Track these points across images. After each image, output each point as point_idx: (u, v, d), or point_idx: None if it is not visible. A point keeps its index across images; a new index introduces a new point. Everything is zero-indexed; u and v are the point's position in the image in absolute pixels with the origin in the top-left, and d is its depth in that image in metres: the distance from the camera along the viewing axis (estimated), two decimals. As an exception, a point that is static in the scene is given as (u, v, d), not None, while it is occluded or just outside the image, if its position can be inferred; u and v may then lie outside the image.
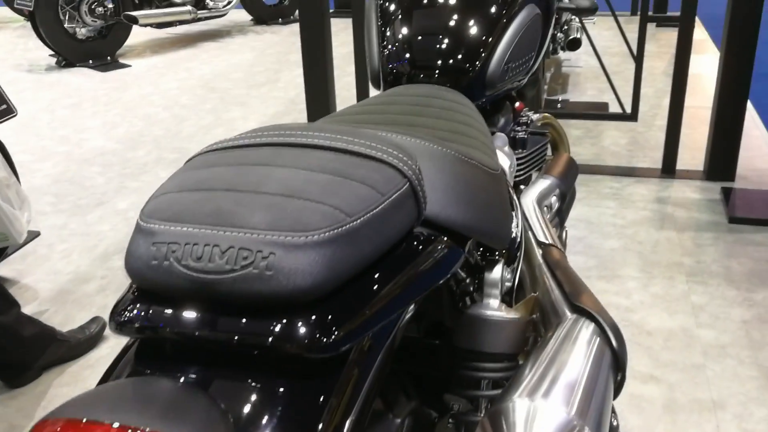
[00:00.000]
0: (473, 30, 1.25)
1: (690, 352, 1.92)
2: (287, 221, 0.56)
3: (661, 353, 1.92)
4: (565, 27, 4.00)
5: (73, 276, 2.40)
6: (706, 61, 4.50)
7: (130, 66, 5.09)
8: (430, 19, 1.28)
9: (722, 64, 2.79)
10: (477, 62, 1.23)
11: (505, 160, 1.27)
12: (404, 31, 1.27)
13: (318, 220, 0.56)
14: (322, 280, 0.55)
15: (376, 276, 0.62)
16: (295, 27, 6.10)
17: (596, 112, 3.62)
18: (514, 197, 1.20)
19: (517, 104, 1.45)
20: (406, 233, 0.66)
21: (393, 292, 0.63)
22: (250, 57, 5.23)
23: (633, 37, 3.05)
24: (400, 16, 1.29)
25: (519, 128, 1.42)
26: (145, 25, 5.37)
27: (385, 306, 0.62)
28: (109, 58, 5.21)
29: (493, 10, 1.27)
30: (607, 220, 2.65)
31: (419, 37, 1.26)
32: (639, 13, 3.00)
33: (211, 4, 5.70)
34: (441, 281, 0.72)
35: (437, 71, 1.23)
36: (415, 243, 0.70)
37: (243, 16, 6.30)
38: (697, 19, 3.05)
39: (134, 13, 5.20)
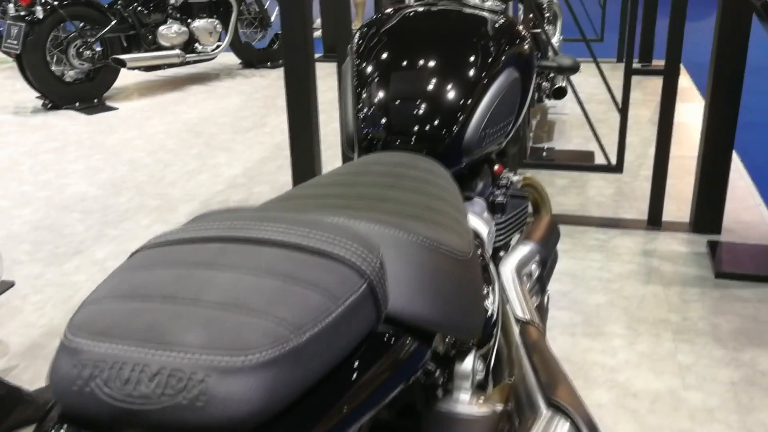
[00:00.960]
0: (450, 95, 1.22)
1: (677, 416, 1.87)
2: (225, 339, 0.51)
3: (647, 417, 1.87)
4: (551, 75, 4.01)
5: (46, 329, 2.33)
6: (691, 109, 4.52)
7: (116, 109, 5.08)
8: (406, 83, 1.26)
9: (707, 116, 2.79)
10: (453, 129, 1.20)
11: (482, 227, 1.24)
12: (380, 95, 1.25)
13: (259, 338, 0.52)
14: (262, 407, 0.50)
15: (327, 390, 0.58)
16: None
17: (582, 162, 3.61)
18: (492, 268, 1.16)
19: (496, 167, 1.42)
20: (363, 337, 0.62)
21: (347, 405, 0.59)
22: (237, 101, 5.23)
23: (619, 84, 3.06)
24: (376, 79, 1.27)
25: (498, 192, 1.39)
26: (133, 68, 5.37)
27: (338, 423, 0.57)
28: (96, 100, 5.19)
29: (470, 74, 1.25)
30: (592, 274, 2.61)
31: (395, 102, 1.24)
32: (624, 60, 3.00)
33: (200, 47, 5.71)
34: (403, 385, 0.68)
35: (413, 138, 1.20)
36: (374, 345, 0.66)
37: (232, 59, 6.32)
38: (681, 66, 3.06)
39: (122, 57, 5.20)
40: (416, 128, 1.21)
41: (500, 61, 1.30)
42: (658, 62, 5.51)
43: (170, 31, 5.49)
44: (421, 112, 1.21)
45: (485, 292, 1.07)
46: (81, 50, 5.12)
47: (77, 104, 5.09)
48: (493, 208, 1.37)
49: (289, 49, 3.06)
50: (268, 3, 6.32)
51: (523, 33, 1.40)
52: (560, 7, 4.56)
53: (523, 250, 1.33)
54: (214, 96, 5.38)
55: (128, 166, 3.91)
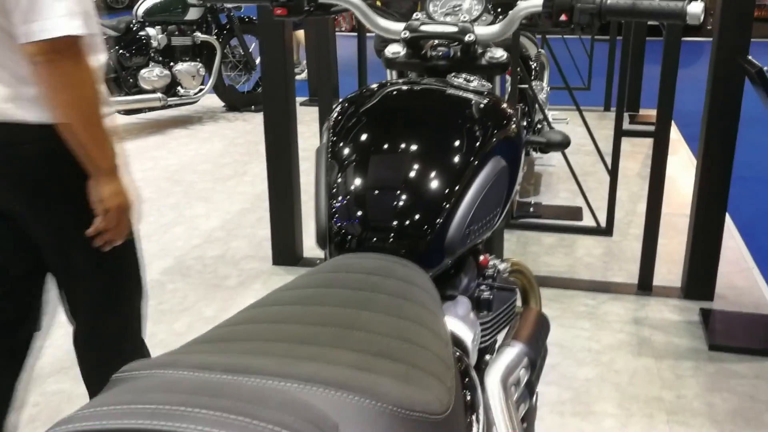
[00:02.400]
0: (433, 187, 1.12)
1: None
2: None
3: None
4: (539, 126, 3.95)
5: (2, 403, 2.18)
6: (679, 162, 4.46)
7: (94, 153, 4.95)
8: (385, 170, 1.15)
9: (698, 179, 2.71)
10: (435, 226, 1.09)
11: (467, 333, 1.13)
12: (356, 182, 1.14)
13: None
14: None
15: None
16: (268, 115, 6.04)
17: (570, 219, 3.52)
18: (476, 383, 1.05)
19: (481, 258, 1.31)
20: None
21: None
22: (219, 146, 5.12)
23: (607, 134, 2.98)
24: (352, 164, 1.16)
25: (484, 287, 1.28)
26: (113, 112, 5.26)
27: None
28: (73, 144, 5.07)
29: (455, 163, 1.15)
30: (581, 344, 2.50)
31: (372, 192, 1.13)
32: (613, 108, 2.93)
33: (182, 91, 5.62)
34: None
35: (390, 236, 1.09)
36: None
37: (215, 102, 6.23)
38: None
39: (102, 100, 5.10)
40: (395, 224, 1.10)
41: (487, 147, 1.20)
42: (646, 111, 5.48)
43: (152, 74, 5.40)
44: (400, 205, 1.11)
45: (468, 421, 0.96)
46: (59, 93, 5.01)
47: (54, 148, 4.97)
48: (479, 305, 1.25)
49: (269, 95, 2.97)
50: (253, 46, 6.26)
51: (509, 113, 1.30)
52: (548, 58, 4.52)
53: (510, 354, 1.22)
54: (195, 140, 5.28)
55: (102, 217, 3.77)
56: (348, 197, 1.13)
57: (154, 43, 5.47)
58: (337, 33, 5.78)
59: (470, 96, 1.29)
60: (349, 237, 1.11)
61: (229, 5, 2.10)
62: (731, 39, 2.48)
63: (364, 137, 1.20)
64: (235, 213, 3.82)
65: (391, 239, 1.09)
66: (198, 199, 4.05)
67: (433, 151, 1.16)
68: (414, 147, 1.16)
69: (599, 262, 3.15)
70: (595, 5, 1.27)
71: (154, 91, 5.42)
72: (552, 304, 2.77)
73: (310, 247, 3.25)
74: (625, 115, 5.60)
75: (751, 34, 2.53)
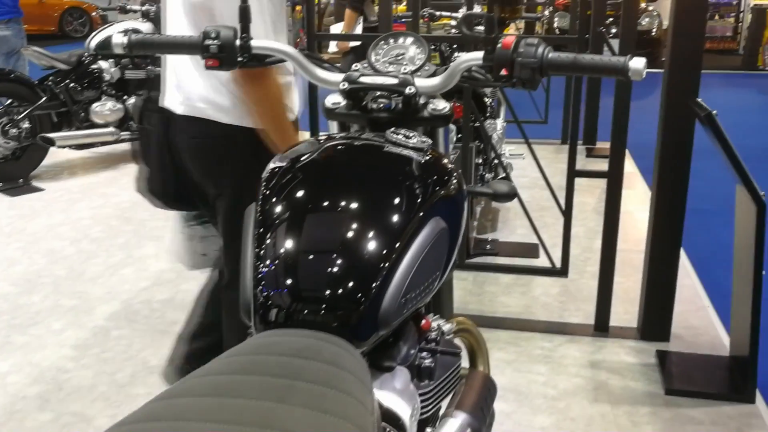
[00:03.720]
0: (366, 254, 1.05)
1: None
2: None
3: None
4: (495, 162, 3.92)
5: (-75, 468, 2.05)
6: (635, 196, 4.48)
7: (43, 190, 4.81)
8: (316, 236, 1.08)
9: (652, 218, 2.69)
10: (369, 297, 1.03)
11: (404, 409, 1.06)
12: (285, 248, 1.07)
13: None
14: None
15: None
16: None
17: (526, 262, 3.49)
18: None
19: (423, 322, 1.25)
20: None
21: None
22: (172, 182, 5.01)
23: (563, 168, 2.96)
24: (282, 229, 1.09)
25: (425, 354, 1.21)
26: (63, 147, 5.13)
27: None
28: (21, 180, 4.92)
29: (390, 227, 1.09)
30: (537, 390, 2.45)
31: (302, 258, 1.06)
32: (569, 142, 2.91)
33: (135, 125, 5.51)
34: None
35: (321, 308, 1.02)
36: None
37: (171, 135, 6.12)
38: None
39: (51, 135, 4.97)
40: (326, 294, 1.03)
41: (426, 207, 1.14)
42: (603, 144, 5.52)
43: (104, 108, 5.29)
44: (332, 272, 1.04)
45: None
46: (6, 128, 4.87)
47: (0, 184, 4.82)
48: (420, 374, 1.19)
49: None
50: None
51: (450, 169, 1.25)
52: (505, 93, 4.52)
53: (451, 426, 1.16)
54: (148, 176, 5.15)
55: (47, 258, 3.64)
56: (276, 263, 1.06)
57: (107, 77, 5.36)
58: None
59: (410, 153, 1.23)
60: (276, 309, 1.04)
61: (159, 54, 2.05)
62: (681, 82, 2.48)
63: (296, 196, 1.13)
64: (187, 253, 3.71)
65: (321, 312, 1.02)
66: (148, 238, 3.94)
67: (369, 212, 1.10)
68: (349, 208, 1.10)
69: (556, 302, 3.11)
70: (536, 60, 1.23)
71: (106, 126, 5.30)
72: (509, 347, 2.71)
73: (262, 289, 3.15)
74: (582, 148, 5.64)
75: (700, 73, 2.53)
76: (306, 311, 1.02)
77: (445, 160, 1.27)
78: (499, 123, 4.19)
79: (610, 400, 2.38)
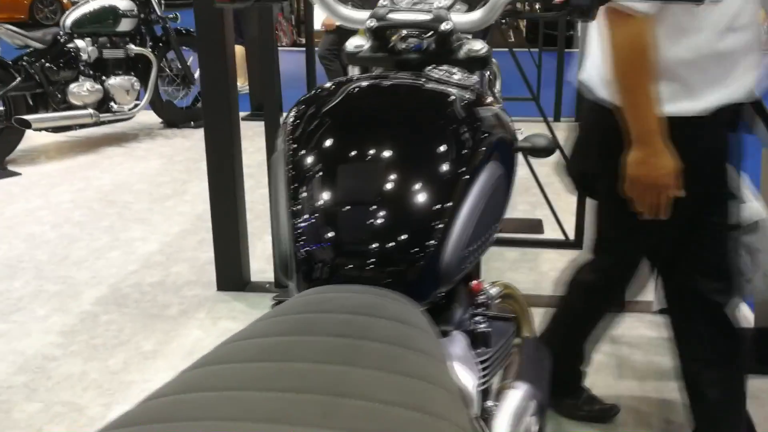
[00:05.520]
0: (422, 203, 0.90)
1: None
2: None
3: None
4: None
5: None
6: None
7: (19, 174, 4.59)
8: (362, 185, 0.93)
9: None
10: (428, 249, 0.88)
11: (469, 378, 0.92)
12: (327, 200, 0.91)
13: None
14: None
15: None
16: (208, 131, 5.75)
17: (530, 232, 3.36)
18: None
19: (473, 283, 1.11)
20: None
21: None
22: (156, 165, 4.82)
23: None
24: (320, 179, 0.94)
25: (480, 318, 1.07)
26: (40, 129, 4.91)
27: None
28: (-4, 165, 4.70)
29: (447, 173, 0.94)
30: (558, 367, 2.32)
31: (348, 210, 0.91)
32: (563, 118, 2.79)
33: (115, 106, 5.30)
34: None
35: (373, 262, 0.87)
36: None
37: (152, 118, 5.91)
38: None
39: (27, 117, 4.75)
40: (378, 247, 0.88)
41: (482, 151, 0.99)
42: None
43: (82, 89, 5.07)
44: (384, 223, 0.89)
45: None
46: (-20, 111, 4.65)
47: (-25, 169, 4.60)
48: (475, 341, 1.04)
49: (210, 110, 2.73)
50: (191, 59, 5.98)
51: (500, 112, 1.11)
52: (499, 68, 4.38)
53: (515, 399, 1.02)
54: (131, 159, 4.96)
55: (27, 243, 3.45)
56: (318, 216, 0.91)
57: (84, 56, 5.15)
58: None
59: (455, 91, 1.09)
60: (321, 265, 0.88)
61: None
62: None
63: (334, 142, 0.98)
64: (175, 235, 3.54)
65: (374, 266, 0.87)
66: (134, 221, 3.76)
67: (420, 157, 0.95)
68: (396, 152, 0.95)
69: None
70: None
71: (84, 107, 5.09)
72: (522, 324, 2.58)
73: (257, 270, 3.00)
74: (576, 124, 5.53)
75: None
76: (357, 266, 0.87)
77: (491, 100, 1.13)
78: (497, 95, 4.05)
79: (635, 376, 2.26)
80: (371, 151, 0.95)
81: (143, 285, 2.98)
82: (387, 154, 0.95)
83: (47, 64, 4.98)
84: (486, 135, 1.02)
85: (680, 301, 1.80)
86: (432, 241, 0.88)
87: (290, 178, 0.96)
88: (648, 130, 1.49)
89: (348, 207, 0.91)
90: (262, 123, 2.88)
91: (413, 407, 0.58)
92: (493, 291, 1.21)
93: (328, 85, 1.14)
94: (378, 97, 1.09)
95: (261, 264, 3.06)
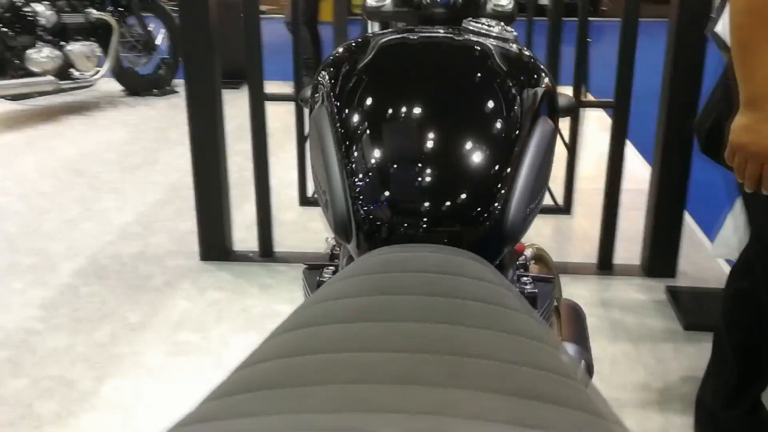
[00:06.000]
0: (484, 160, 0.87)
1: None
2: None
3: None
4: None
5: None
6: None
7: (-22, 144, 4.41)
8: (420, 142, 0.89)
9: (659, 153, 2.58)
10: (495, 209, 0.85)
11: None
12: (384, 158, 0.87)
13: None
14: None
15: None
16: (174, 99, 5.61)
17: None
18: None
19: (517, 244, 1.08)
20: None
21: None
22: (122, 134, 4.68)
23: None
24: (374, 137, 0.89)
25: (525, 279, 1.05)
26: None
27: None
28: (-48, 134, 4.51)
29: (506, 130, 0.90)
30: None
31: (409, 168, 0.86)
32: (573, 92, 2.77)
33: (76, 73, 5.11)
34: None
35: (439, 223, 0.84)
36: None
37: (113, 86, 5.73)
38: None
39: (-16, 84, 4.56)
40: (443, 207, 0.84)
41: (533, 107, 0.96)
42: (564, 89, 5.41)
43: (40, 55, 4.87)
44: (447, 183, 0.85)
45: None
46: (-67, 77, 4.44)
47: (-70, 139, 4.40)
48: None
49: (192, 75, 2.63)
50: (153, 25, 5.79)
51: (542, 66, 1.07)
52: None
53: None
54: (95, 128, 4.80)
55: (-5, 214, 3.32)
56: (378, 174, 0.86)
57: (42, 21, 4.94)
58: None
59: (500, 45, 1.05)
60: (386, 225, 0.84)
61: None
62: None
63: (387, 99, 0.93)
64: (150, 205, 3.44)
65: (443, 226, 0.84)
66: (105, 191, 3.64)
67: (477, 113, 0.92)
68: (452, 109, 0.91)
69: (552, 242, 3.00)
70: None
71: (44, 74, 4.90)
72: (513, 289, 2.58)
73: (238, 240, 2.93)
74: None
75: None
76: (425, 225, 0.84)
77: (529, 53, 1.09)
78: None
79: (630, 339, 2.28)
80: (426, 108, 0.91)
81: (122, 256, 2.89)
82: (443, 110, 0.91)
83: (3, 29, 4.77)
84: (535, 90, 0.99)
85: None
86: (498, 199, 0.85)
87: (341, 137, 0.91)
88: (760, 94, 1.34)
89: (410, 165, 0.87)
90: (232, 91, 2.78)
91: (538, 366, 0.55)
92: (528, 253, 1.19)
93: (359, 40, 1.10)
94: (421, 51, 1.04)
95: (242, 233, 3.00)
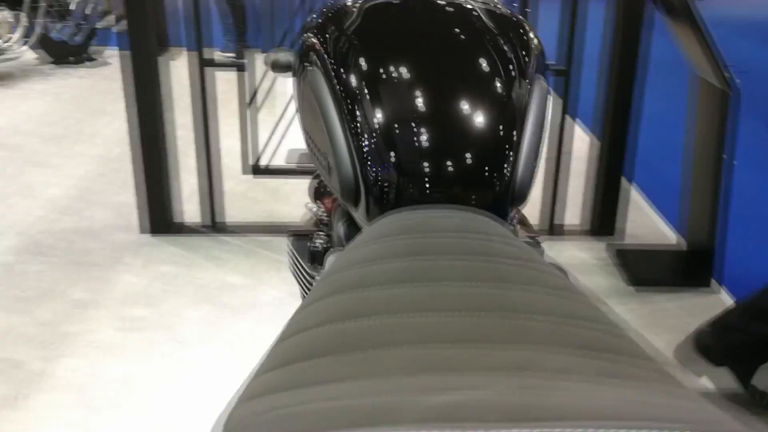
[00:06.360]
0: (493, 121, 0.86)
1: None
2: None
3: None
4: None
5: None
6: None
7: None
8: (423, 103, 0.87)
9: (602, 117, 2.65)
10: (505, 169, 0.85)
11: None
12: (391, 120, 0.86)
13: None
14: None
15: None
16: (93, 68, 5.37)
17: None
18: None
19: None
20: None
21: None
22: (41, 104, 4.45)
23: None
24: (375, 99, 0.87)
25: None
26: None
27: None
28: None
29: (508, 88, 0.90)
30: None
31: (416, 130, 0.85)
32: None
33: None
34: None
35: (452, 184, 0.83)
36: None
37: (27, 54, 5.42)
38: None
39: None
40: (455, 168, 0.84)
41: (530, 67, 0.96)
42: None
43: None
44: (457, 143, 0.85)
45: None
46: None
47: None
48: None
49: (133, 40, 2.52)
50: (66, -11, 5.49)
51: (530, 28, 1.08)
52: None
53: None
54: (9, 98, 4.55)
55: None
56: (385, 135, 0.85)
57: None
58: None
59: (484, 5, 1.04)
60: (397, 187, 0.83)
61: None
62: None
63: (385, 57, 0.91)
64: (81, 178, 3.30)
65: (456, 187, 0.83)
66: (30, 164, 3.46)
67: (479, 72, 0.91)
68: (454, 68, 0.90)
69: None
70: None
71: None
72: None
73: (181, 211, 2.85)
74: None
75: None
76: (439, 186, 0.83)
77: (517, 15, 1.09)
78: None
79: (579, 297, 2.35)
80: (430, 67, 0.90)
81: (56, 231, 2.76)
82: (447, 71, 0.90)
83: None
84: (530, 50, 0.99)
85: None
86: (508, 158, 0.85)
87: (341, 99, 0.89)
88: None
89: (419, 125, 0.86)
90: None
91: (590, 320, 0.56)
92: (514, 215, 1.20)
93: (342, 1, 1.07)
94: (414, 11, 1.02)
95: (183, 205, 2.92)
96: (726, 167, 2.26)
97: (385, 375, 0.48)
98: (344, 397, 0.43)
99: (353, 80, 0.90)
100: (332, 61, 0.94)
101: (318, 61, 0.96)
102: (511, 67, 0.93)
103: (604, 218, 2.75)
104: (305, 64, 1.01)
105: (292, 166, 2.81)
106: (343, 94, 0.89)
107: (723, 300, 2.34)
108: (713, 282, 2.41)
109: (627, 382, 0.46)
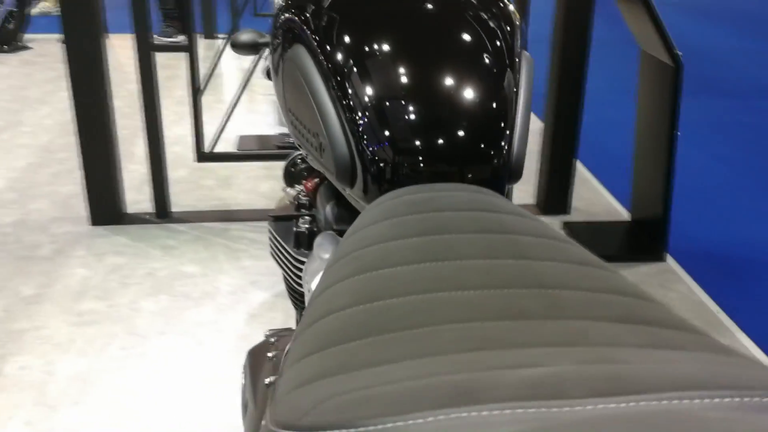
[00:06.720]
0: (488, 93, 0.85)
1: None
2: None
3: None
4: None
5: None
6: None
7: None
8: (417, 79, 0.86)
9: (553, 94, 2.68)
10: (502, 145, 0.84)
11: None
12: (388, 91, 0.84)
13: None
14: None
15: None
16: (26, 55, 5.17)
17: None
18: None
19: None
20: None
21: None
22: (-26, 94, 4.27)
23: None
24: (371, 70, 0.85)
25: None
26: None
27: None
28: None
29: (501, 63, 0.89)
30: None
31: (411, 107, 0.84)
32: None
33: None
34: None
35: (453, 158, 0.82)
36: None
37: (-46, 42, 5.19)
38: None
39: None
40: (454, 144, 0.83)
41: (516, 42, 0.96)
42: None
43: None
44: (454, 120, 0.83)
45: None
46: None
47: None
48: None
49: (72, 24, 2.43)
50: (-6, -26, 5.26)
51: (508, 1, 1.07)
52: None
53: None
54: (-60, 89, 4.35)
55: None
56: (381, 111, 0.83)
57: None
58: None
59: None
60: (396, 165, 0.82)
61: None
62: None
63: (374, 31, 0.89)
64: (23, 170, 3.18)
65: (456, 164, 0.83)
66: (-33, 157, 3.32)
67: (471, 46, 0.90)
68: (445, 42, 0.89)
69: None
70: None
71: None
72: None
73: (133, 201, 2.78)
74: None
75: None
76: (440, 163, 0.82)
77: None
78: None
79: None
80: (422, 41, 0.88)
81: (2, 225, 2.66)
82: (439, 45, 0.88)
83: None
84: (515, 25, 0.99)
85: None
86: (504, 134, 0.85)
87: (330, 75, 0.86)
88: None
89: (414, 101, 0.84)
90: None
91: (619, 292, 0.56)
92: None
93: None
94: None
95: (131, 195, 2.85)
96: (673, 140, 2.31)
97: (442, 353, 0.46)
98: (406, 378, 0.42)
99: (340, 54, 0.87)
100: (315, 36, 0.91)
101: (301, 37, 0.94)
102: (501, 40, 0.92)
103: (558, 197, 2.79)
104: (285, 41, 0.98)
105: (244, 152, 2.76)
106: (332, 70, 0.87)
107: (673, 270, 2.40)
108: (668, 256, 2.48)
109: (683, 352, 0.46)
